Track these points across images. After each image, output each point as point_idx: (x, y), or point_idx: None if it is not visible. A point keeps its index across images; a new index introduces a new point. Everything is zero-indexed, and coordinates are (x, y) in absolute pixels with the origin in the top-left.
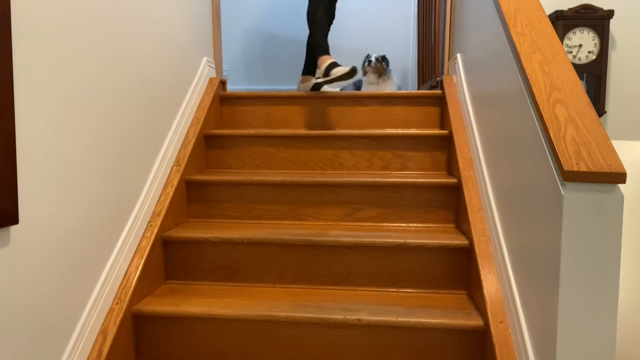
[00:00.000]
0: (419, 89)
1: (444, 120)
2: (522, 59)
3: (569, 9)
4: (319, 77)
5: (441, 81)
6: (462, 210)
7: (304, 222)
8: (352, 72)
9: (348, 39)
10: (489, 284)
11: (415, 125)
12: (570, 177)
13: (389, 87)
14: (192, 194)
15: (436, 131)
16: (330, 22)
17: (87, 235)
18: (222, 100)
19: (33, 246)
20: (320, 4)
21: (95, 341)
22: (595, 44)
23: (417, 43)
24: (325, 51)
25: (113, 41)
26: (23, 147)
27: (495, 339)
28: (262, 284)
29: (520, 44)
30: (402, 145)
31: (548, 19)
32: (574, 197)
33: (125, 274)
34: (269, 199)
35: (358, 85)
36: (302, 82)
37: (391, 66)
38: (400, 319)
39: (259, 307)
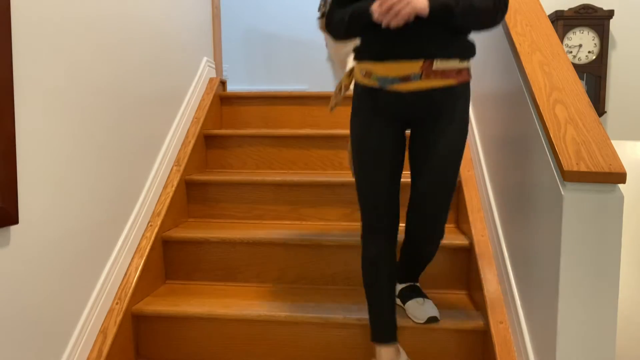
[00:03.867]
0: None
1: None
2: (522, 59)
3: (569, 9)
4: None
5: None
6: (462, 210)
7: (304, 222)
8: (431, 320)
9: None
10: (489, 284)
11: None
12: (570, 177)
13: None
14: (192, 194)
15: None
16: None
17: (87, 235)
18: (222, 100)
19: (33, 246)
20: (375, 243)
21: (95, 341)
22: (595, 44)
23: None
24: (382, 339)
25: (113, 41)
26: (23, 147)
27: (495, 339)
28: (262, 284)
29: (520, 44)
30: None
31: (548, 19)
32: (574, 197)
33: (125, 274)
34: (269, 199)
35: None
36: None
37: None
38: (400, 319)
39: (259, 307)
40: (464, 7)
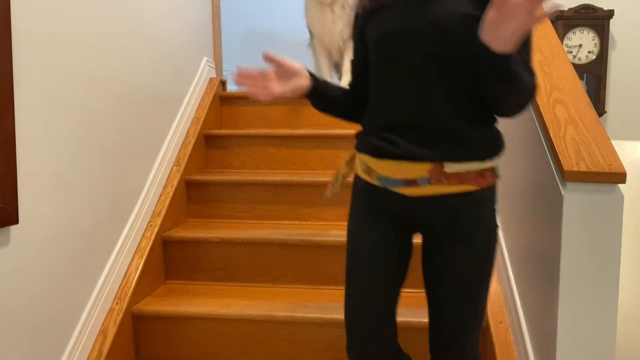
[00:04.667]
0: None
1: None
2: None
3: (569, 9)
4: None
5: None
6: None
7: (303, 222)
8: None
9: None
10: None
11: None
12: (570, 177)
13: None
14: (192, 194)
15: None
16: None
17: (87, 235)
18: (222, 100)
19: (33, 246)
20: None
21: (95, 341)
22: (595, 44)
23: None
24: None
25: (113, 41)
26: (23, 147)
27: (495, 339)
28: (262, 284)
29: None
30: None
31: (548, 19)
32: (574, 197)
33: (125, 274)
34: (269, 199)
35: None
36: None
37: None
38: (400, 319)
39: (259, 307)
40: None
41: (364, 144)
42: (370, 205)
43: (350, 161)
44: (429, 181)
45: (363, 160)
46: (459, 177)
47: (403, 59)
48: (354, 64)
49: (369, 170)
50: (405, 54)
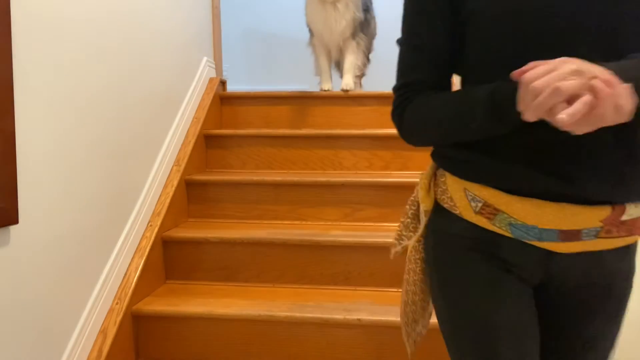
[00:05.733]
0: None
1: None
2: None
3: None
4: None
5: None
6: None
7: (304, 222)
8: None
9: None
10: None
11: None
12: None
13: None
14: (192, 193)
15: None
16: None
17: (87, 235)
18: (222, 100)
19: (33, 246)
20: None
21: (95, 341)
22: None
23: None
24: None
25: (112, 41)
26: (23, 147)
27: None
28: (262, 284)
29: None
30: (402, 145)
31: None
32: None
33: (125, 274)
34: (269, 199)
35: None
36: None
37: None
38: (400, 319)
39: (259, 307)
40: None
41: (482, 168)
42: (484, 264)
43: (429, 186)
44: (597, 233)
45: (478, 195)
46: (631, 226)
47: (575, 45)
48: (428, 50)
49: (490, 210)
50: (581, 37)
